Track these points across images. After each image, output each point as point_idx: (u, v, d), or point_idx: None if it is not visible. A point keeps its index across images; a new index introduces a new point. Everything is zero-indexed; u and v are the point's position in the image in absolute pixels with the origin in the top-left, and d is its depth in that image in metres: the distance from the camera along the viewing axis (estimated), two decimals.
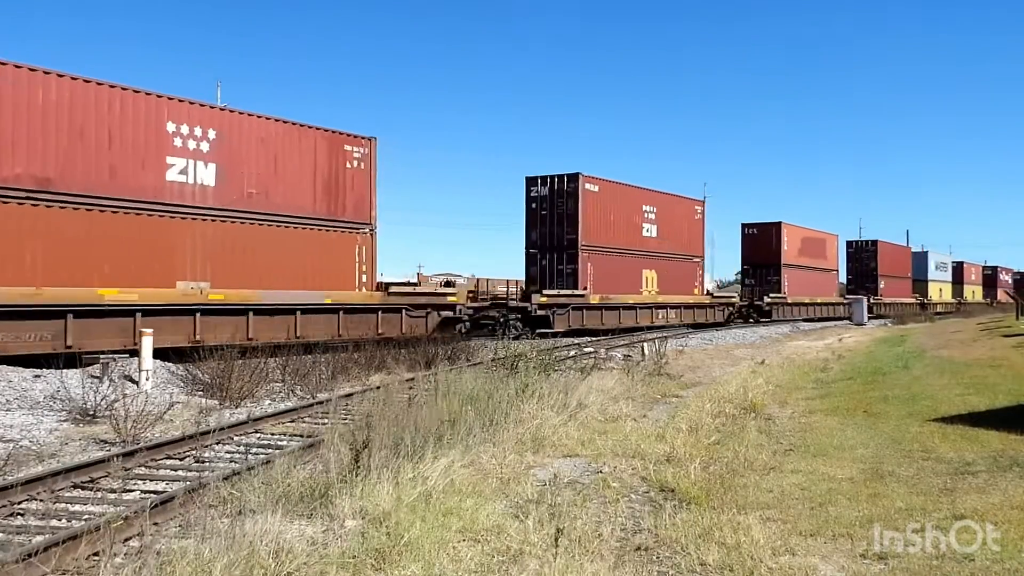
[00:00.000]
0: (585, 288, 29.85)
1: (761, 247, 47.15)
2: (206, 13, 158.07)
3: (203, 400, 12.82)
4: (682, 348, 24.13)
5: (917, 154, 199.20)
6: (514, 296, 28.93)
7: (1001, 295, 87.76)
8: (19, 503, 6.75)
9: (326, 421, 10.35)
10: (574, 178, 30.13)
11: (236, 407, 12.35)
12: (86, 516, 6.43)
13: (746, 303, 44.51)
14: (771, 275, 46.80)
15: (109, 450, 8.94)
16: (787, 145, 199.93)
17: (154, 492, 7.22)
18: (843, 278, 64.09)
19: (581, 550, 5.16)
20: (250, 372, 13.52)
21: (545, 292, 28.87)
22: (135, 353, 14.71)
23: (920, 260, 69.93)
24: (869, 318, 50.02)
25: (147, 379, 14.07)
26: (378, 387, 11.29)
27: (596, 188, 31.08)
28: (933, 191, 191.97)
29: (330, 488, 6.16)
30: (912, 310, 61.76)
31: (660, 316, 34.70)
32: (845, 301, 53.72)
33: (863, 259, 59.84)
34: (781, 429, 10.18)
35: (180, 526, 6.02)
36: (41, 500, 6.79)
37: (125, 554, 5.36)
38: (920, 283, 68.09)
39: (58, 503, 6.94)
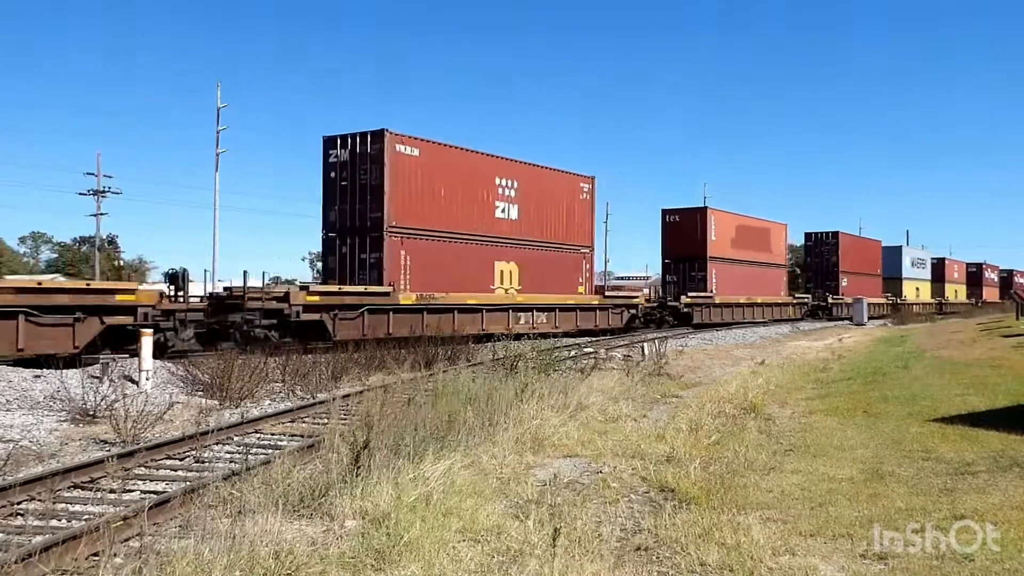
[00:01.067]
0: (392, 284, 22.14)
1: (684, 237, 38.76)
2: (207, 13, 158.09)
3: (203, 400, 12.82)
4: (682, 348, 24.16)
5: (919, 154, 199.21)
6: (262, 294, 19.50)
7: (987, 294, 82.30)
8: (19, 503, 6.75)
9: (326, 421, 10.35)
10: (379, 137, 22.37)
11: (236, 407, 12.35)
12: (86, 516, 6.43)
13: (655, 304, 36.26)
14: (696, 270, 38.55)
15: (109, 450, 8.94)
16: (785, 145, 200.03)
17: (154, 492, 7.22)
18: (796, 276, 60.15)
19: (581, 550, 5.16)
20: (250, 372, 13.51)
21: (314, 288, 21.23)
22: (135, 353, 14.72)
23: (892, 255, 62.31)
24: (826, 319, 47.43)
25: (147, 379, 14.07)
26: (378, 387, 11.30)
27: (415, 152, 23.16)
28: (935, 192, 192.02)
29: (330, 488, 6.17)
30: (880, 311, 55.68)
31: (523, 321, 26.16)
32: (795, 301, 47.90)
33: (823, 253, 52.77)
34: (781, 429, 10.18)
35: (180, 526, 6.02)
36: (41, 500, 6.80)
37: (125, 554, 5.36)
38: (892, 281, 61.24)
39: (58, 503, 6.95)
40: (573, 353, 20.59)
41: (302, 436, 9.99)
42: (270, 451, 8.92)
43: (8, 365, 14.25)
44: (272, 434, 10.42)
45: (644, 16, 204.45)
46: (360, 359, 16.59)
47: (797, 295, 49.50)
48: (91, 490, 7.42)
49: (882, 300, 57.83)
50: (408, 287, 22.67)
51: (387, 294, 22.03)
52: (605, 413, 10.60)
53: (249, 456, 8.49)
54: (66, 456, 8.83)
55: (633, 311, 33.53)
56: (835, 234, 53.02)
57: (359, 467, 6.41)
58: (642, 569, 5.02)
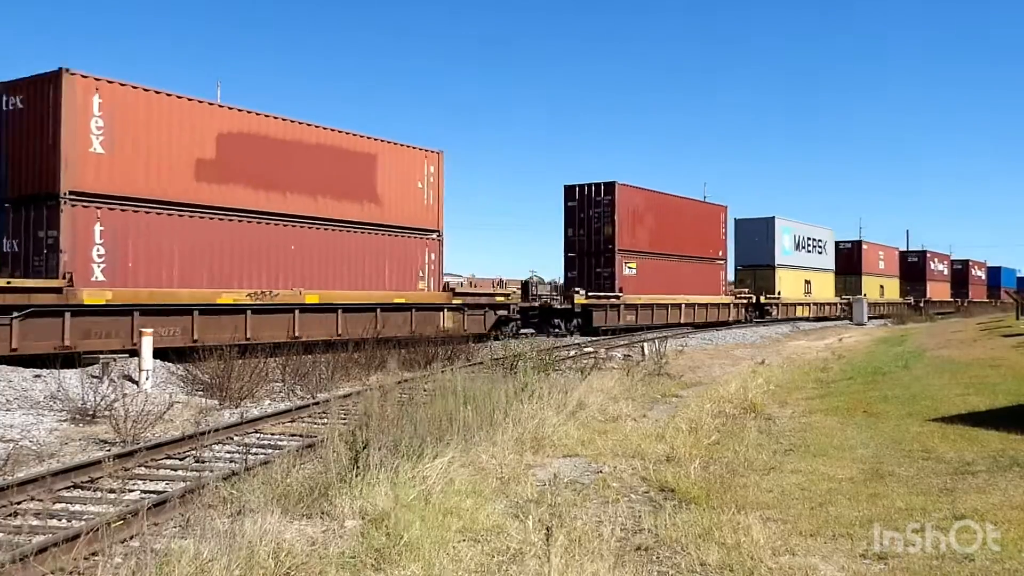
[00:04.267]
0: None
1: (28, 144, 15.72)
2: (206, 10, 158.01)
3: (203, 400, 12.82)
4: (682, 348, 24.16)
5: (920, 153, 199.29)
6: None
7: (935, 291, 65.12)
8: (19, 503, 6.75)
9: (325, 421, 10.35)
10: None
11: (236, 407, 12.35)
12: (86, 516, 6.43)
13: None
14: (43, 227, 15.53)
15: (109, 450, 8.94)
16: (785, 143, 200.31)
17: (154, 492, 7.22)
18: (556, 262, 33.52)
19: (581, 550, 5.15)
20: (250, 372, 13.51)
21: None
22: (135, 353, 14.71)
23: (756, 232, 42.63)
24: (571, 328, 28.60)
25: (147, 379, 14.07)
26: (378, 387, 11.30)
27: None
28: (934, 191, 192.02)
29: (329, 488, 6.16)
30: (722, 314, 37.75)
31: None
32: (454, 303, 23.18)
33: (591, 221, 30.96)
34: (781, 429, 10.18)
35: (180, 526, 6.02)
36: (40, 500, 6.80)
37: (124, 554, 5.35)
38: (759, 271, 42.24)
39: (58, 503, 6.95)
40: (573, 353, 20.63)
41: (301, 436, 9.99)
42: (270, 451, 8.92)
43: (7, 364, 14.25)
44: (272, 434, 10.42)
45: (640, 15, 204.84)
46: (360, 359, 16.60)
47: (459, 291, 24.31)
48: (91, 490, 7.42)
49: (724, 299, 38.33)
50: None
51: None
52: (605, 413, 10.60)
53: (249, 456, 8.48)
54: (66, 456, 8.83)
55: None
56: (610, 187, 30.63)
57: (358, 466, 6.41)
58: (642, 569, 5.02)
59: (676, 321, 34.21)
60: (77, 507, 6.89)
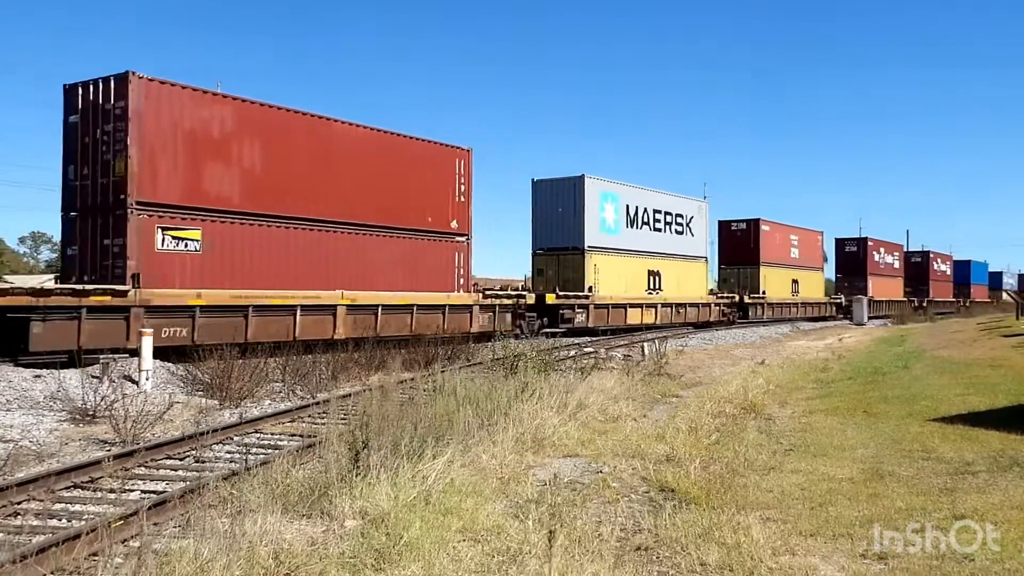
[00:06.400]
0: None
1: None
2: (206, 9, 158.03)
3: (203, 400, 12.82)
4: (682, 348, 24.16)
5: (919, 153, 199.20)
6: None
7: (881, 288, 52.16)
8: (19, 503, 6.76)
9: (325, 421, 10.35)
10: None
11: (236, 407, 12.35)
12: (86, 516, 6.43)
13: None
14: None
15: (109, 450, 8.94)
16: (786, 144, 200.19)
17: (154, 492, 7.23)
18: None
19: (581, 550, 5.15)
20: (250, 372, 13.51)
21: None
22: (135, 353, 14.70)
23: (561, 199, 29.19)
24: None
25: (147, 379, 14.06)
26: (378, 387, 11.29)
27: None
28: (934, 190, 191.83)
29: (329, 488, 6.16)
30: (440, 322, 21.74)
31: None
32: None
33: (99, 152, 15.76)
34: (781, 429, 10.18)
35: (179, 526, 6.02)
36: (40, 500, 6.80)
37: (124, 554, 5.35)
38: (565, 257, 28.92)
39: (58, 503, 6.95)
40: (573, 353, 20.64)
41: (302, 436, 9.98)
42: (270, 451, 8.92)
43: (8, 365, 14.23)
44: (272, 434, 10.42)
45: (631, 16, 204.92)
46: (360, 359, 16.60)
47: None
48: (91, 490, 7.42)
49: (460, 298, 22.97)
50: None
51: None
52: (605, 413, 10.59)
53: (249, 456, 8.48)
54: (66, 456, 8.83)
55: None
56: (122, 83, 15.49)
57: (358, 466, 6.41)
58: (642, 569, 5.01)
59: (327, 336, 18.64)
60: (77, 507, 6.89)
